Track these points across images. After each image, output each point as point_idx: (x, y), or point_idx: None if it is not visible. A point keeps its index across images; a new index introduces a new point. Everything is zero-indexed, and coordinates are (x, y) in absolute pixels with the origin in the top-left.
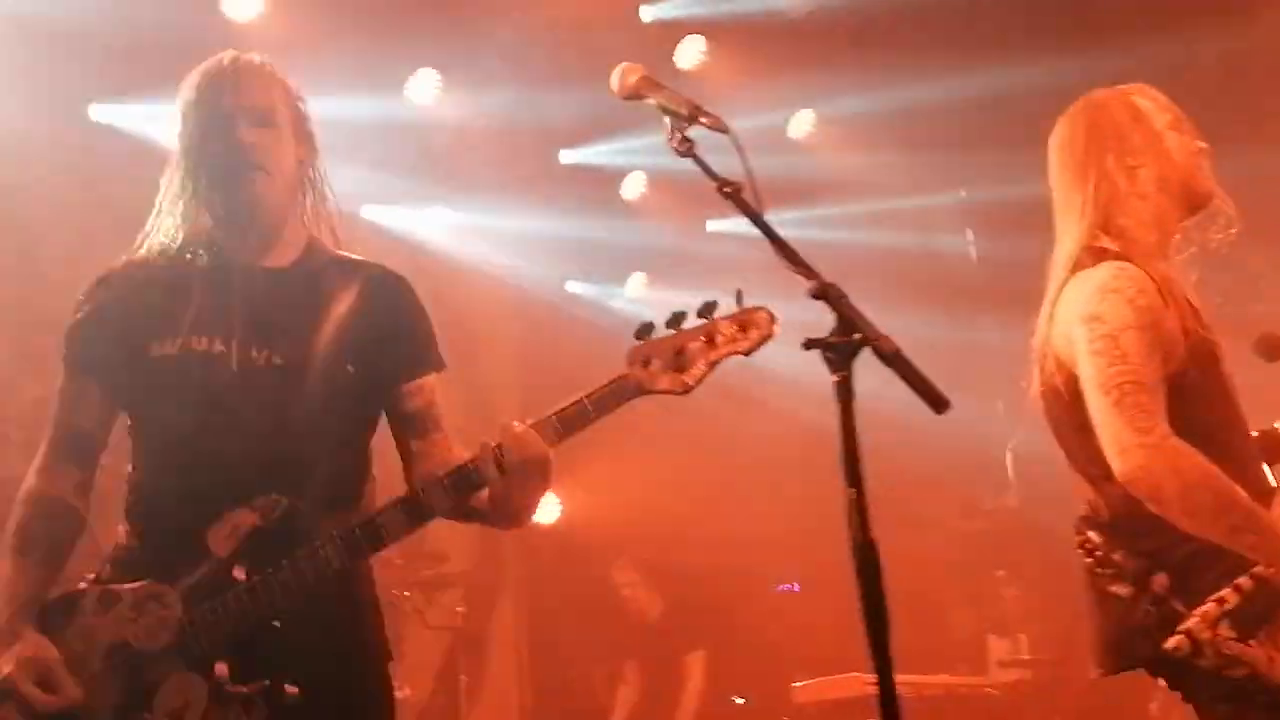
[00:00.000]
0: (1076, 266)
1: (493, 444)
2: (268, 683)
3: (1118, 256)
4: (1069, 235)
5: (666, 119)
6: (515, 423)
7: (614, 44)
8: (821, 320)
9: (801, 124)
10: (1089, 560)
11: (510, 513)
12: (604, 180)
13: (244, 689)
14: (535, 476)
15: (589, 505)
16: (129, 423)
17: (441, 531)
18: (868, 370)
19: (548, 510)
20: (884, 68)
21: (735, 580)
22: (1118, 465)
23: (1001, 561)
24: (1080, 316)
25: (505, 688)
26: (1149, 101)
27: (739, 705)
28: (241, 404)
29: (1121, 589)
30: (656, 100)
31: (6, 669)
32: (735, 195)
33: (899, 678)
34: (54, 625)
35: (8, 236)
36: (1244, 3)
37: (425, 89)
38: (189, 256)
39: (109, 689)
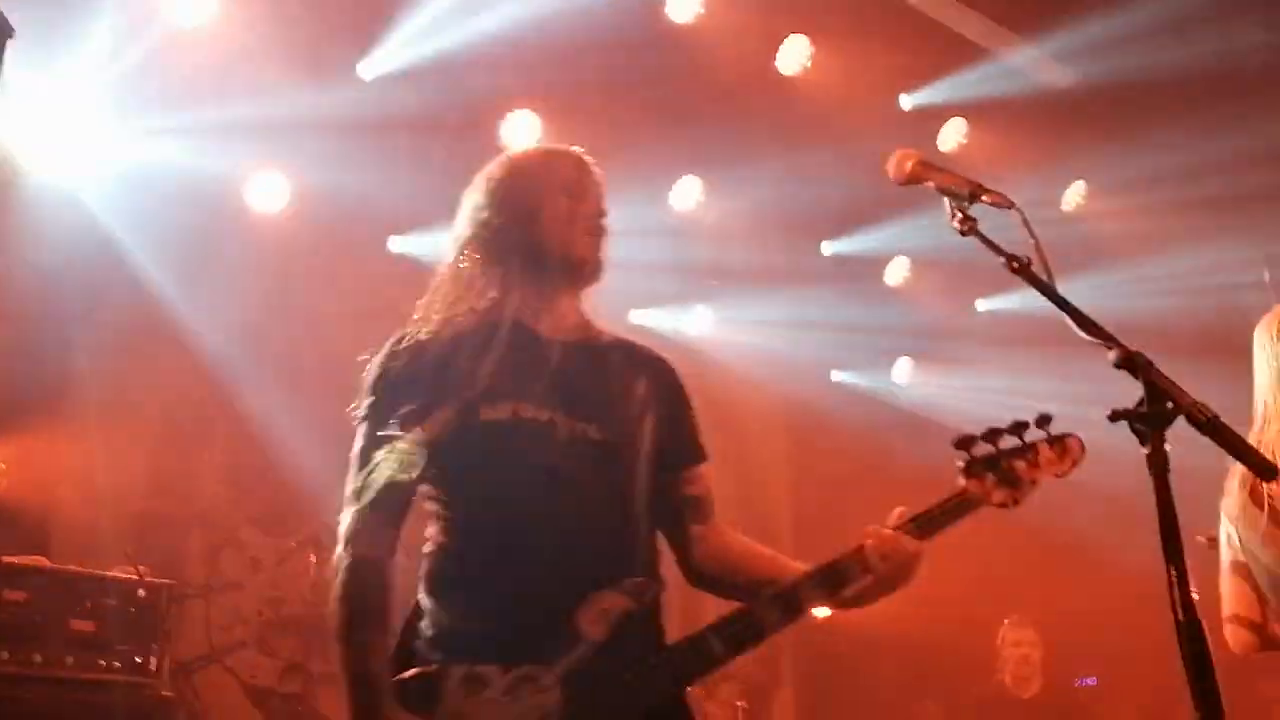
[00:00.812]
0: None
1: (864, 543)
2: None
3: None
4: None
5: (947, 200)
6: (877, 526)
7: (873, 132)
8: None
9: (1073, 195)
10: None
11: (862, 605)
12: (866, 267)
13: None
14: (905, 575)
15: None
16: (436, 489)
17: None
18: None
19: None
20: (1152, 128)
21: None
22: None
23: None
24: None
25: None
26: None
27: None
28: (576, 476)
29: None
30: (936, 183)
31: None
32: (1024, 270)
33: None
34: (419, 708)
35: None
36: None
37: (688, 195)
38: (492, 324)
39: None
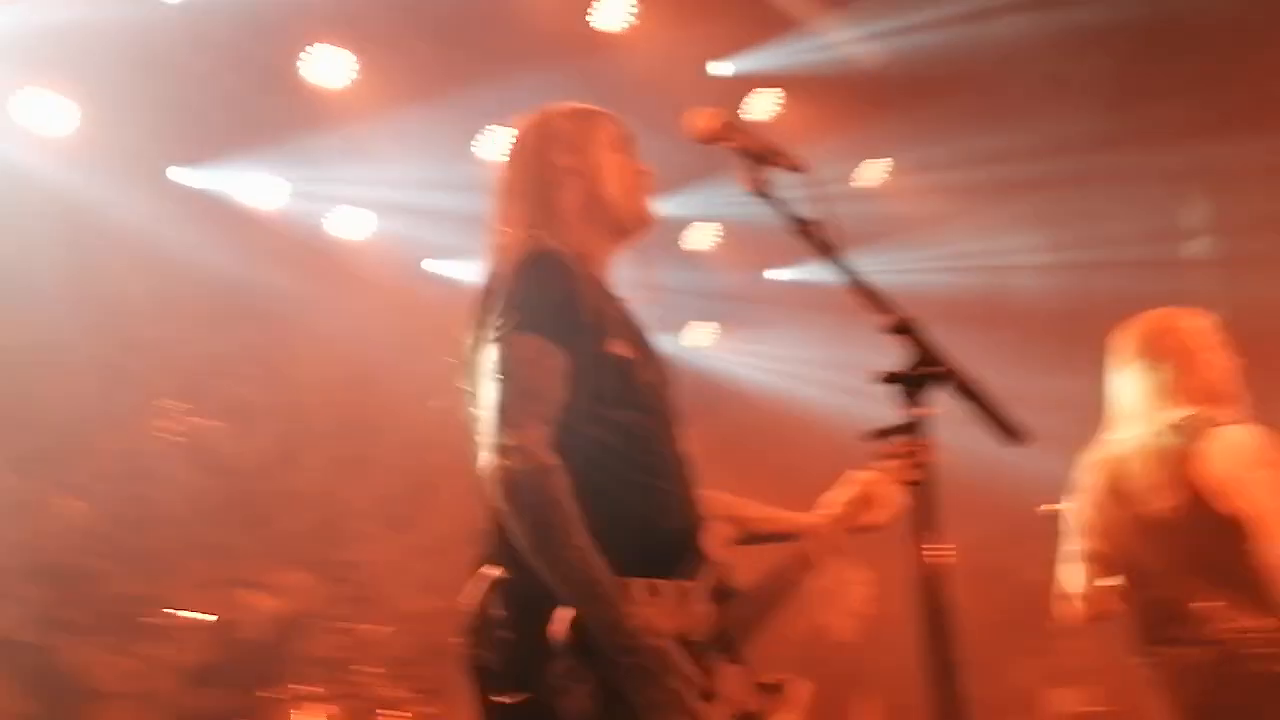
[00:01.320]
0: (1205, 424)
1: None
2: (781, 680)
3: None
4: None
5: (742, 161)
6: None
7: (681, 99)
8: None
9: (877, 172)
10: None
11: None
12: (663, 231)
13: (773, 681)
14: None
15: None
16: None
17: None
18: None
19: None
20: (958, 112)
21: None
22: None
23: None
24: (1250, 465)
25: None
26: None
27: None
28: (678, 418)
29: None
30: (735, 143)
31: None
32: (811, 233)
33: None
34: None
35: None
36: None
37: (496, 147)
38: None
39: None
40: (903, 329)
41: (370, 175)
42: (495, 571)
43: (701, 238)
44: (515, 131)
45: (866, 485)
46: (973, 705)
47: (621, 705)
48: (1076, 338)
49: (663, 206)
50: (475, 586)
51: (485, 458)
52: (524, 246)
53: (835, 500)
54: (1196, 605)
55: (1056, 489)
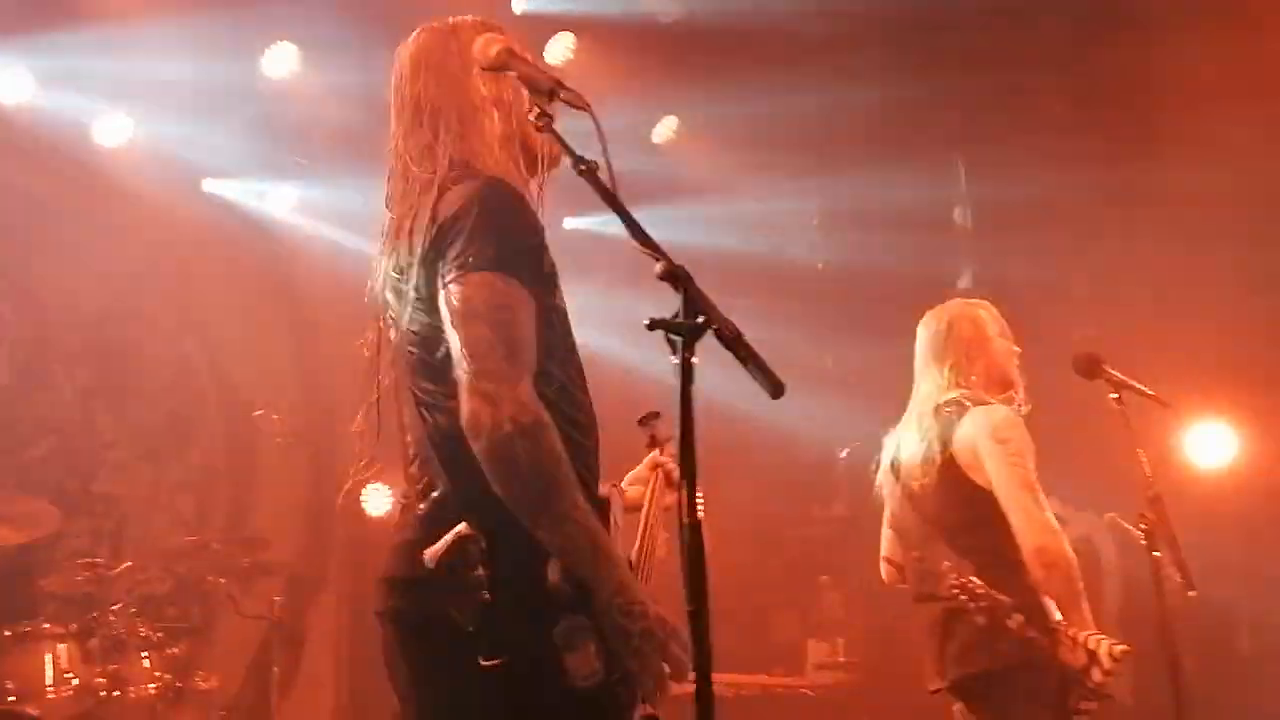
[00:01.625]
0: (967, 402)
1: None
2: None
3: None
4: (939, 385)
5: (525, 92)
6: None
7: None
8: None
9: (665, 129)
10: (964, 597)
11: None
12: None
13: None
14: None
15: None
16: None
17: (265, 518)
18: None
19: (379, 501)
20: (747, 77)
21: None
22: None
23: (826, 567)
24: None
25: (320, 682)
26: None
27: None
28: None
29: (984, 619)
30: (518, 72)
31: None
32: (590, 174)
33: (719, 677)
34: None
35: None
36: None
37: (282, 63)
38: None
39: None
40: (673, 277)
41: (140, 75)
42: (462, 529)
43: None
44: (423, 42)
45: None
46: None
47: (619, 665)
48: (850, 303)
49: None
50: (432, 545)
51: (471, 408)
52: (471, 176)
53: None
54: (942, 565)
55: (827, 448)
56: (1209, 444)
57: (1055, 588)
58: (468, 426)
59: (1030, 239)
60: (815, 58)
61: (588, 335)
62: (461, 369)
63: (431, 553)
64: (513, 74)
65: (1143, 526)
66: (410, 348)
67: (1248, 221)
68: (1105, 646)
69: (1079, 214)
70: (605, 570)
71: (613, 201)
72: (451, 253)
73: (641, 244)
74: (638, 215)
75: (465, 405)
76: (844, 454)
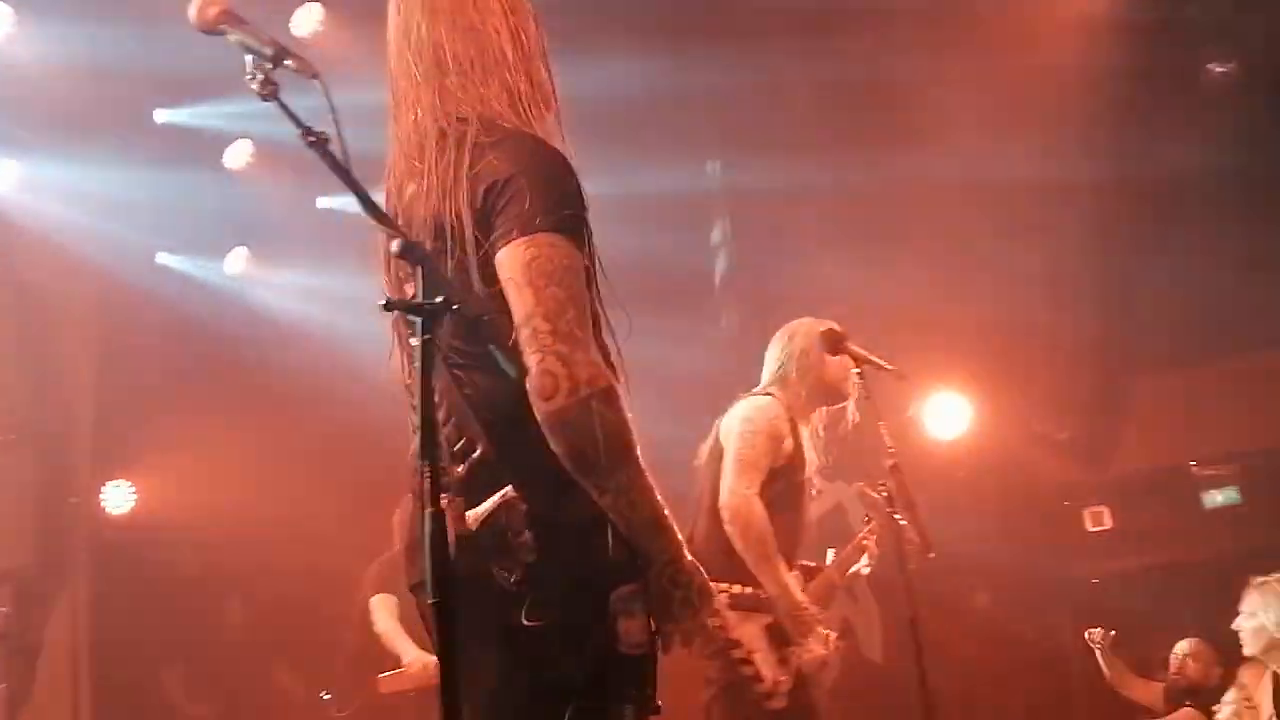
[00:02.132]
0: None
1: None
2: None
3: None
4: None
5: (249, 58)
6: None
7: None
8: None
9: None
10: None
11: None
12: (205, 145)
13: None
14: None
15: (168, 495)
16: None
17: None
18: None
19: (121, 500)
20: None
21: (319, 578)
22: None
23: None
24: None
25: (58, 694)
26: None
27: (326, 700)
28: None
29: None
30: (238, 37)
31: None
32: (320, 145)
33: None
34: None
35: None
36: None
37: None
38: None
39: None
40: (410, 254)
41: None
42: (509, 493)
43: (239, 155)
44: None
45: None
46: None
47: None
48: (611, 294)
49: (197, 116)
50: (480, 507)
51: (545, 369)
52: (513, 136)
53: None
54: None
55: None
56: (945, 414)
57: (741, 544)
58: (539, 388)
59: (782, 227)
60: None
61: (344, 319)
62: (531, 329)
63: (475, 515)
64: (232, 38)
65: (884, 493)
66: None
67: (976, 207)
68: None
69: (828, 204)
70: (664, 539)
71: (345, 176)
72: (512, 211)
73: (377, 220)
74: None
75: (536, 367)
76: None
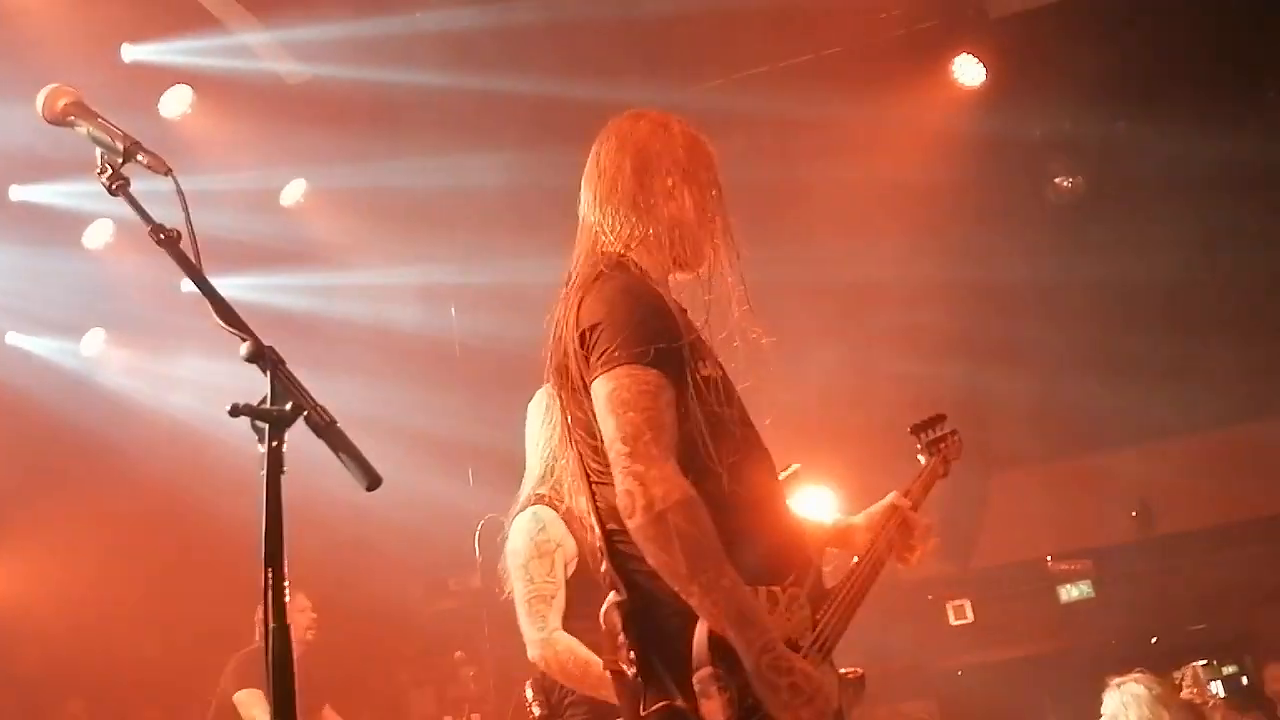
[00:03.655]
0: None
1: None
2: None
3: None
4: None
5: (99, 152)
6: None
7: (89, 81)
8: None
9: (293, 192)
10: None
11: None
12: (62, 224)
13: (852, 674)
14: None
15: (13, 586)
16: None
17: None
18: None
19: None
20: (377, 143)
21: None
22: None
23: (462, 643)
24: None
25: None
26: None
27: None
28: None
29: None
30: (89, 129)
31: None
32: (170, 243)
33: None
34: None
35: None
36: None
37: None
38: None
39: None
40: (260, 359)
41: None
42: (612, 598)
43: (99, 235)
44: (633, 126)
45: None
46: None
47: (759, 716)
48: (482, 377)
49: (54, 194)
50: (605, 614)
51: (625, 489)
52: (610, 279)
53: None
54: None
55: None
56: (812, 506)
57: None
58: (622, 506)
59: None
60: (445, 127)
61: (201, 406)
62: (614, 452)
63: (600, 618)
64: (82, 130)
65: None
66: (579, 430)
67: (838, 307)
68: None
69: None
70: (752, 633)
71: (194, 274)
72: (598, 350)
73: (226, 322)
74: (261, 278)
75: (619, 486)
76: (480, 524)
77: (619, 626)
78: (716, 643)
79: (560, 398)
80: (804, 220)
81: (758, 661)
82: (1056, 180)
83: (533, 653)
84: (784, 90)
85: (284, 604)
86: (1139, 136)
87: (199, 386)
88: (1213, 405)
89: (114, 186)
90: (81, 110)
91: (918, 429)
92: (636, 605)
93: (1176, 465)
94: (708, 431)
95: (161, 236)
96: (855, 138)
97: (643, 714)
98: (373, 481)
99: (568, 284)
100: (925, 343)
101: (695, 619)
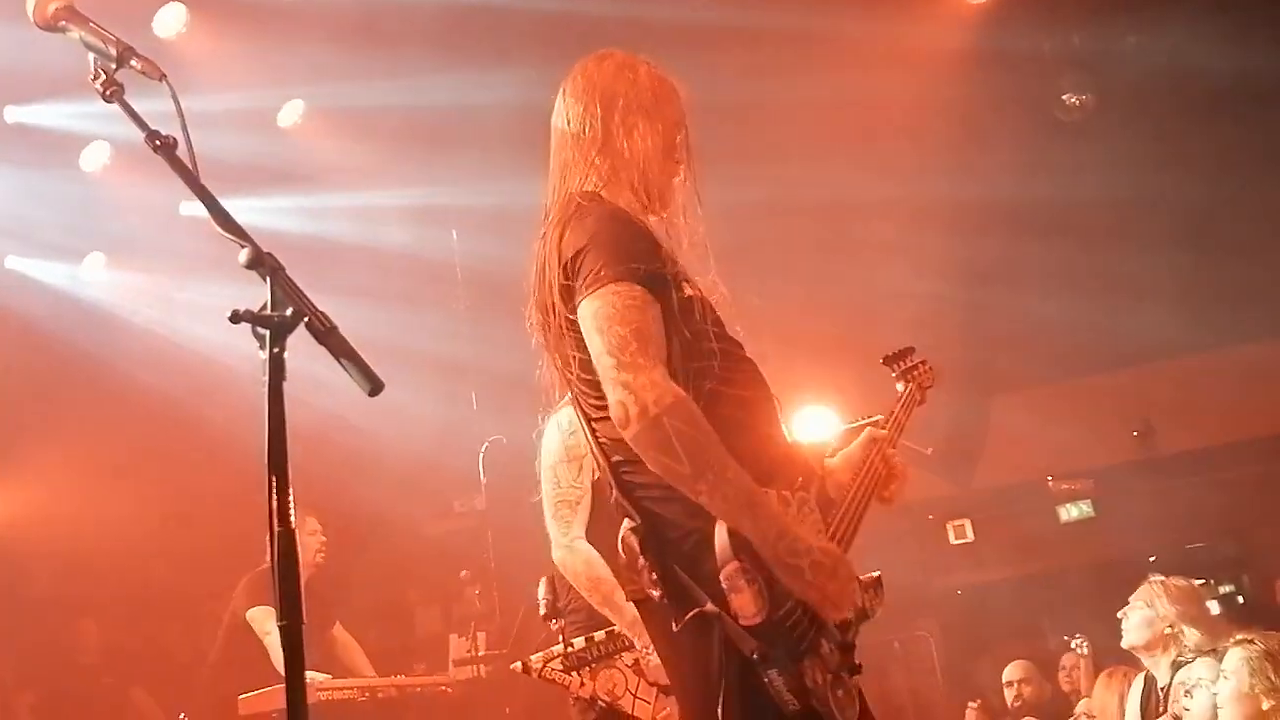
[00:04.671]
0: None
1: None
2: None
3: None
4: None
5: (91, 58)
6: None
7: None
8: None
9: (291, 113)
10: None
11: None
12: (59, 146)
13: (868, 578)
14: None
15: (19, 511)
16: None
17: None
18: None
19: None
20: (377, 62)
21: (177, 597)
22: None
23: (467, 562)
24: None
25: None
26: None
27: None
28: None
29: None
30: (80, 34)
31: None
32: (167, 150)
33: (350, 681)
34: None
35: None
36: None
37: None
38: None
39: None
40: (260, 266)
41: None
42: (625, 526)
43: (96, 157)
44: (599, 68)
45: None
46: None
47: (789, 601)
48: (487, 298)
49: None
50: (623, 540)
51: (615, 400)
52: (590, 212)
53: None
54: None
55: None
56: (812, 426)
57: None
58: (617, 420)
59: None
60: (454, 48)
61: (204, 329)
62: (602, 366)
63: (619, 546)
64: (74, 35)
65: None
66: (574, 370)
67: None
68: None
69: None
70: (764, 521)
71: (192, 181)
72: (583, 274)
73: (225, 228)
74: (260, 200)
75: (611, 398)
76: (484, 447)
77: (637, 549)
78: (737, 537)
79: (546, 341)
80: (807, 138)
81: (775, 547)
82: (1065, 97)
83: (555, 554)
84: (789, 3)
85: (288, 509)
86: (1149, 51)
87: (201, 309)
88: (1216, 325)
89: (108, 92)
90: (73, 15)
91: (890, 360)
92: (650, 529)
93: (1178, 384)
94: (697, 348)
95: (158, 143)
96: (858, 53)
97: (675, 630)
98: (375, 386)
99: (545, 220)
100: (927, 262)
101: (710, 533)
